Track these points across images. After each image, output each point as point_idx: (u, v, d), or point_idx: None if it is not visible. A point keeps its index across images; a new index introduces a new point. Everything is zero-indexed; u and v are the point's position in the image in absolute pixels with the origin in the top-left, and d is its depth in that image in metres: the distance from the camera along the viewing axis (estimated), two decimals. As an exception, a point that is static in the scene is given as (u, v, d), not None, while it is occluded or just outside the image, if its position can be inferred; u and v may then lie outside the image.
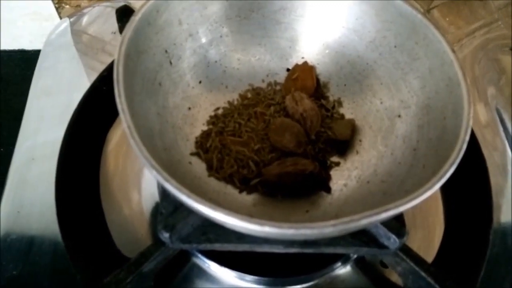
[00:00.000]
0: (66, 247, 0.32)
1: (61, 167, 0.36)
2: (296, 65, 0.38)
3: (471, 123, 0.26)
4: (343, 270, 0.35)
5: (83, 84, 0.43)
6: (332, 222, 0.21)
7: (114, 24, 0.47)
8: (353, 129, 0.35)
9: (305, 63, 0.38)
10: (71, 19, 0.52)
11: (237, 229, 0.23)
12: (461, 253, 0.35)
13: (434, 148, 0.28)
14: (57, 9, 0.59)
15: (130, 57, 0.28)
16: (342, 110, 0.37)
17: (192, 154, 0.33)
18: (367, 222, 0.22)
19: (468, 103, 0.27)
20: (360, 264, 0.35)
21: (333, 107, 0.37)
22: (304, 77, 0.37)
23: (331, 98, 0.38)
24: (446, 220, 0.38)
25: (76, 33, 0.50)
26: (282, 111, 0.36)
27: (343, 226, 0.22)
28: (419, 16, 0.31)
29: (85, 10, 0.53)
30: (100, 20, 0.52)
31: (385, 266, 0.34)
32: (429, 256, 0.35)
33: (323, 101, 0.37)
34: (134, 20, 0.29)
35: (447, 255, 0.35)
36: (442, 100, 0.29)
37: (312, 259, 0.33)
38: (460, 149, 0.25)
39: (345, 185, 0.33)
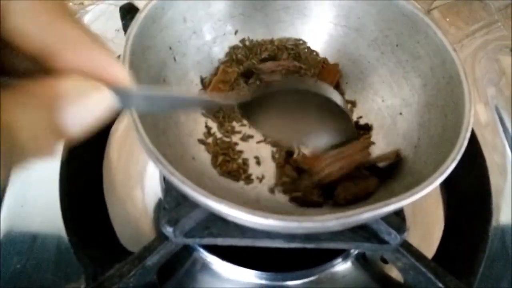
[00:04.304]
0: (70, 241, 0.32)
1: (65, 162, 0.36)
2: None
3: (472, 120, 0.26)
4: (343, 265, 0.35)
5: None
6: (335, 215, 0.22)
7: (117, 22, 0.47)
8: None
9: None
10: (74, 17, 0.52)
11: (241, 222, 0.23)
12: (460, 249, 0.35)
13: (435, 145, 0.28)
14: (60, 6, 0.59)
15: (135, 53, 0.28)
16: (343, 108, 0.37)
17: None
18: (369, 215, 0.22)
19: (469, 101, 0.27)
20: (361, 260, 0.35)
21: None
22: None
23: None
24: (446, 218, 0.38)
25: (79, 30, 0.51)
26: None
27: (346, 219, 0.22)
28: (421, 15, 0.32)
29: (88, 8, 0.53)
30: (103, 17, 0.52)
31: (386, 262, 0.34)
32: (429, 252, 0.35)
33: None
34: (140, 17, 0.29)
35: (446, 252, 0.35)
36: (443, 99, 0.30)
37: (313, 255, 0.33)
38: (461, 146, 0.25)
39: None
